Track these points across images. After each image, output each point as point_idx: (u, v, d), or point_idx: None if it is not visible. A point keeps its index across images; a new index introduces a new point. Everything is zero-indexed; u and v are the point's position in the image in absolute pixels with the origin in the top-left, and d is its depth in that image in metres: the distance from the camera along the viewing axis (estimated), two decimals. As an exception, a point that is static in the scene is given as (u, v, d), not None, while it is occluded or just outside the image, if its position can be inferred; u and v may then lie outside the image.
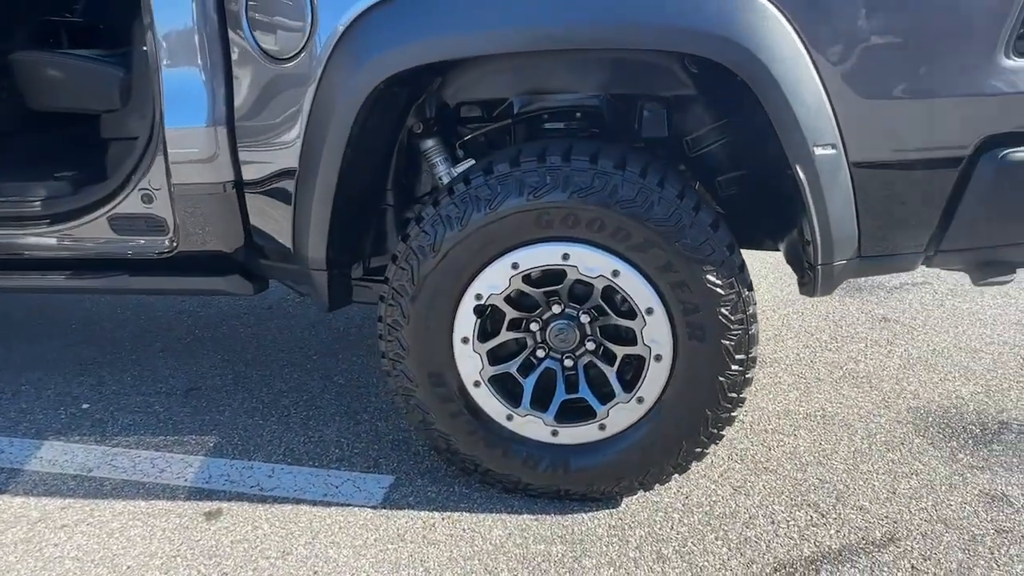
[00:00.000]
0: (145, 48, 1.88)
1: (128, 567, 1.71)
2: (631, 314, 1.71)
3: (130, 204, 1.96)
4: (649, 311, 1.68)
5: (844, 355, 2.63)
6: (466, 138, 2.03)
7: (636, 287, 1.67)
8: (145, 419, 2.36)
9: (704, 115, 1.93)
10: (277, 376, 2.62)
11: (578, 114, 1.96)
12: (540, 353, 1.81)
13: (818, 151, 1.55)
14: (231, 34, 1.77)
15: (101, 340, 2.98)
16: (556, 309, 1.76)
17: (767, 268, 3.43)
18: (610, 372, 1.78)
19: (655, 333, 1.70)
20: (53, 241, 2.04)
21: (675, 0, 1.52)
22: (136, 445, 2.21)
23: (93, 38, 3.01)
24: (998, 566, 1.63)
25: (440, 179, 1.95)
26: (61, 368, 2.73)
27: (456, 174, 1.89)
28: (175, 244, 1.97)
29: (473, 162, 1.89)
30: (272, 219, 1.89)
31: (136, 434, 2.27)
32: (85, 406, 2.46)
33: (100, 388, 2.57)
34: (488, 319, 1.79)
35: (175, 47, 1.78)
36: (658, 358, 1.72)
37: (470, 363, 1.79)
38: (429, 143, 1.95)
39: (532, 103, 1.95)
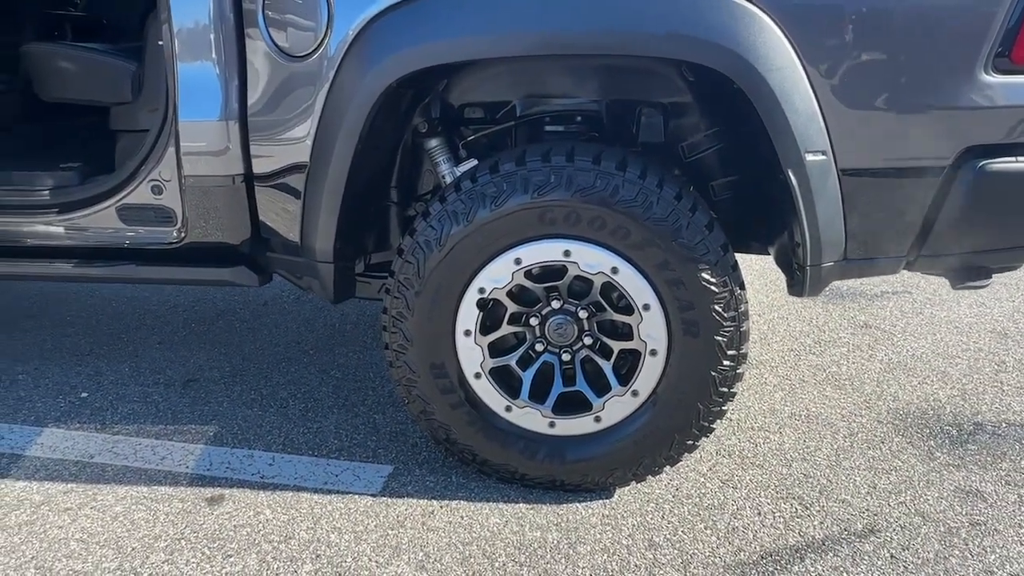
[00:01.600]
0: (160, 43, 1.92)
1: (133, 548, 1.75)
2: (628, 310, 1.78)
3: (139, 195, 2.00)
4: (646, 307, 1.76)
5: (827, 358, 2.72)
6: (469, 139, 2.09)
7: (634, 284, 1.74)
8: (144, 408, 2.39)
9: (699, 122, 2.01)
10: (274, 369, 2.66)
11: (578, 118, 2.03)
12: (539, 347, 1.87)
13: (809, 157, 1.63)
14: (247, 31, 1.83)
15: (97, 332, 3.00)
16: (556, 304, 1.83)
17: (753, 275, 3.53)
18: (606, 366, 1.85)
19: (651, 329, 1.77)
20: (61, 230, 2.07)
21: (679, 11, 1.59)
22: (136, 433, 2.24)
23: (96, 32, 3.04)
24: (972, 556, 1.72)
25: (443, 178, 2.01)
26: (57, 358, 2.75)
27: (459, 174, 1.95)
28: (183, 235, 2.01)
29: (476, 162, 1.96)
30: (281, 212, 1.94)
31: (136, 423, 2.30)
32: (84, 395, 2.48)
33: (98, 378, 2.60)
34: (489, 313, 1.85)
35: (191, 42, 1.83)
36: (653, 353, 1.79)
37: (471, 355, 1.85)
38: (433, 143, 2.01)
39: (534, 106, 2.03)
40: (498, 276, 1.78)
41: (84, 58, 2.25)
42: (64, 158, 2.28)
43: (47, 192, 2.10)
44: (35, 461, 2.10)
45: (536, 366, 1.88)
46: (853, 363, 2.68)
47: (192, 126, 1.88)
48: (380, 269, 2.19)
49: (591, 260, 1.75)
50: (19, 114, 2.67)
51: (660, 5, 1.60)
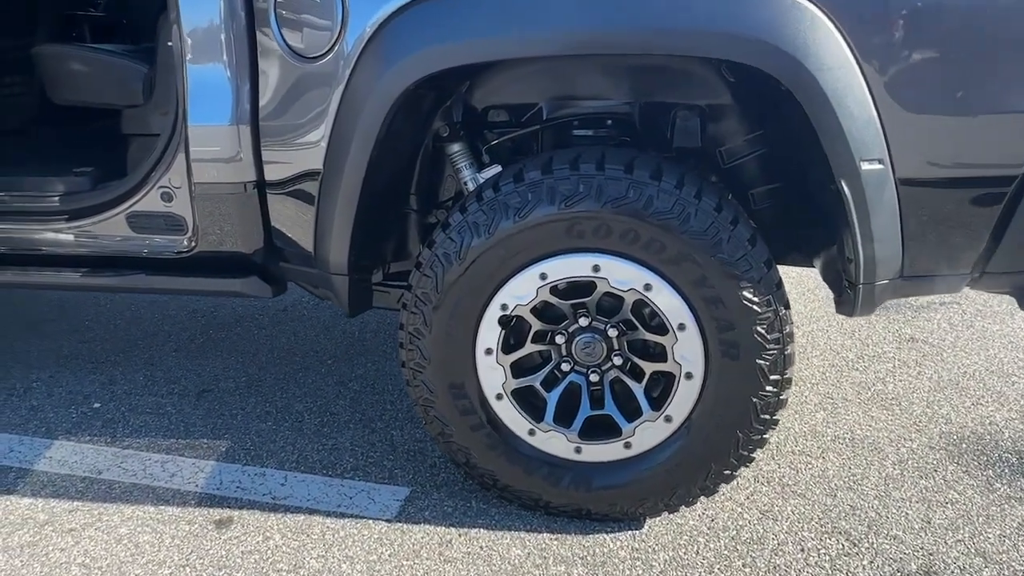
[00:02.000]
0: (170, 44, 1.84)
1: (136, 575, 1.67)
2: (662, 329, 1.66)
3: (149, 202, 1.92)
4: (681, 327, 1.63)
5: (872, 375, 2.56)
6: (493, 143, 1.98)
7: (668, 302, 1.62)
8: (157, 420, 2.32)
9: (739, 125, 1.87)
10: (291, 380, 2.58)
11: (608, 121, 1.91)
12: (565, 367, 1.75)
13: (864, 166, 1.49)
14: (258, 31, 1.73)
15: (114, 338, 2.94)
16: (583, 322, 1.71)
17: (790, 283, 3.35)
18: (637, 389, 1.72)
19: (686, 350, 1.64)
20: (71, 237, 2.00)
21: (720, 5, 1.46)
22: (147, 447, 2.17)
23: (115, 33, 2.99)
24: (1041, 604, 1.56)
25: (465, 184, 1.91)
26: (73, 365, 2.70)
27: (482, 180, 1.84)
28: (194, 244, 1.93)
29: (499, 168, 1.84)
30: (294, 221, 1.84)
31: (147, 436, 2.23)
32: (96, 405, 2.42)
33: (112, 387, 2.53)
34: (512, 330, 1.73)
35: (201, 43, 1.74)
36: (689, 376, 1.66)
37: (493, 375, 1.74)
38: (455, 147, 1.90)
39: (562, 109, 1.91)
40: (522, 292, 1.67)
41: (94, 60, 2.18)
42: (78, 162, 2.21)
43: (57, 198, 2.04)
44: (42, 476, 2.04)
45: (562, 387, 1.76)
46: (900, 381, 2.52)
47: (202, 131, 1.79)
48: (400, 278, 2.08)
49: (622, 276, 1.62)
50: (35, 117, 2.62)
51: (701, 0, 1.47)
